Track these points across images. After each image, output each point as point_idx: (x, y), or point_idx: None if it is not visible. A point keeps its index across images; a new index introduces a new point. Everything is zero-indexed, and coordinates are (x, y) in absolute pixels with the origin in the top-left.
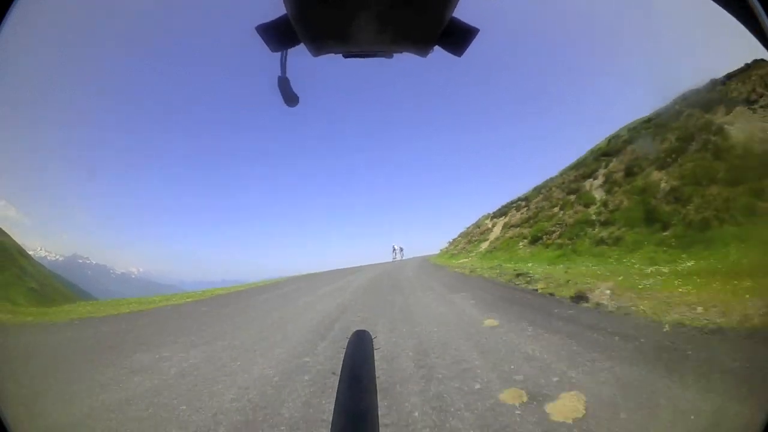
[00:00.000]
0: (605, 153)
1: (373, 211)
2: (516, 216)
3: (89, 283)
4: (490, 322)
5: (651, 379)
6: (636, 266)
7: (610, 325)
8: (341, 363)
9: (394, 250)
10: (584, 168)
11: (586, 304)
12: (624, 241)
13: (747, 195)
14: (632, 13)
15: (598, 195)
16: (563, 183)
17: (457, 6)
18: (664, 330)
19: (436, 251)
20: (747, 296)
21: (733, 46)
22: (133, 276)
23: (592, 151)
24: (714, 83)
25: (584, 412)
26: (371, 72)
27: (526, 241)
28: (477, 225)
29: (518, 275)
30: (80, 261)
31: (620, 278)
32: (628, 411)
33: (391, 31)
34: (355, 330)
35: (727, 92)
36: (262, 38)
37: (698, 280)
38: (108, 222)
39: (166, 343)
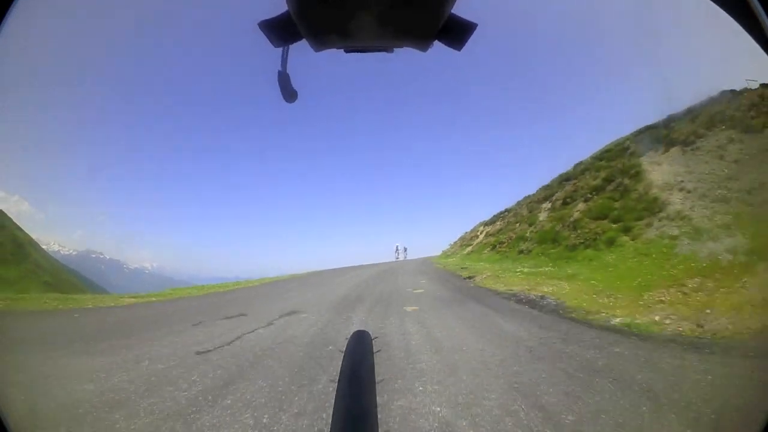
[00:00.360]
0: (567, 178)
1: (378, 210)
2: (495, 226)
3: (103, 277)
4: (424, 281)
5: (463, 298)
6: (519, 268)
7: (470, 287)
8: (341, 363)
9: (397, 249)
10: (548, 191)
11: (470, 281)
12: (531, 252)
13: (616, 230)
14: (632, 13)
15: (543, 216)
16: (530, 203)
17: (457, 2)
18: (486, 289)
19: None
20: (540, 282)
21: (735, 52)
22: (147, 271)
23: (560, 175)
24: (670, 119)
25: (433, 294)
26: (374, 67)
27: (489, 247)
28: (473, 231)
29: (462, 268)
30: (93, 256)
31: (500, 272)
32: (445, 293)
33: (392, 27)
34: (355, 330)
35: (669, 133)
36: (265, 34)
37: (534, 278)
38: (121, 218)
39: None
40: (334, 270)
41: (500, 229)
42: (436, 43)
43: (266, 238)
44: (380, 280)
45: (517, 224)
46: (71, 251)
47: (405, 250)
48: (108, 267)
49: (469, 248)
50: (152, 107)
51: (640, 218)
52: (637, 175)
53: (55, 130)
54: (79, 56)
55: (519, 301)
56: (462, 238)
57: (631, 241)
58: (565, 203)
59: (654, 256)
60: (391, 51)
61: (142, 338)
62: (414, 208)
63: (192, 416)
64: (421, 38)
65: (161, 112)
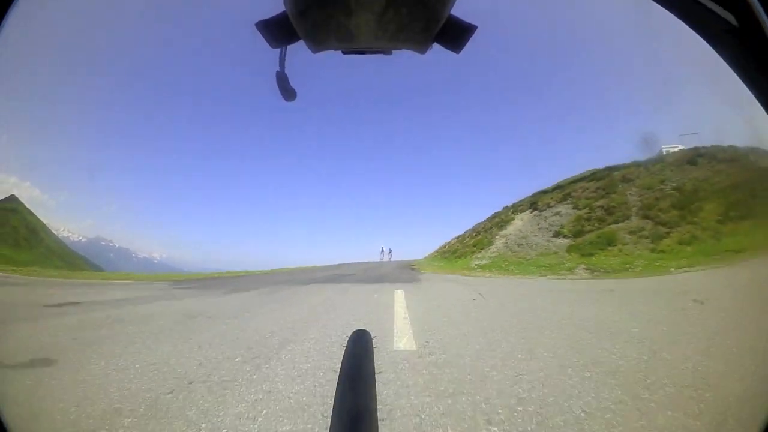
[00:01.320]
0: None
1: (369, 212)
2: (467, 236)
3: (111, 265)
4: (394, 266)
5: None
6: (439, 263)
7: (411, 269)
8: (341, 362)
9: (383, 251)
10: (510, 211)
11: (419, 272)
12: (449, 258)
13: (471, 253)
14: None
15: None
16: (492, 219)
17: (456, 3)
18: (412, 269)
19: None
20: (435, 267)
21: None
22: (155, 261)
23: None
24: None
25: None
26: (371, 70)
27: (446, 253)
28: (458, 237)
29: (417, 263)
30: (103, 243)
31: (440, 267)
32: (395, 273)
33: (390, 29)
34: (355, 330)
35: (536, 201)
36: (262, 35)
37: (435, 266)
38: (132, 210)
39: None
40: (335, 265)
41: (464, 239)
42: (435, 45)
43: (262, 235)
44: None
45: (479, 236)
46: (81, 237)
47: (390, 251)
48: (117, 255)
49: (438, 253)
50: (157, 104)
51: (481, 248)
52: (506, 223)
53: (69, 120)
54: (91, 48)
55: (414, 269)
56: (444, 245)
57: (465, 259)
58: (501, 225)
59: (466, 263)
60: (389, 53)
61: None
62: (407, 212)
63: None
64: (419, 40)
65: (168, 109)
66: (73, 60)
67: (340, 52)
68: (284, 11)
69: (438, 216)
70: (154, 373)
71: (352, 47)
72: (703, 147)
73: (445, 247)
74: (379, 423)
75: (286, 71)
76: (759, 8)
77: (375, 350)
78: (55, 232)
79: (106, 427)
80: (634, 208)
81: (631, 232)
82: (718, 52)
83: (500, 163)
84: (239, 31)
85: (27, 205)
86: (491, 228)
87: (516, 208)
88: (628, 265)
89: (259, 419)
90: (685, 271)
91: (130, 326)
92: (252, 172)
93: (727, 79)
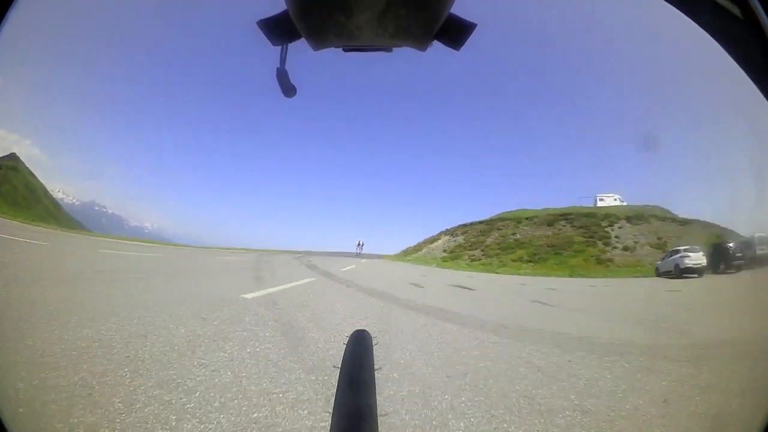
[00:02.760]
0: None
1: (346, 206)
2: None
3: (103, 230)
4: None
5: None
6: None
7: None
8: (341, 362)
9: (359, 245)
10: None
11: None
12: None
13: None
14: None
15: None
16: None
17: (456, 2)
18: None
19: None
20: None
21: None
22: (146, 231)
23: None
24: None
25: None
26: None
27: (405, 252)
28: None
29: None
30: (96, 208)
31: (392, 259)
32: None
33: (391, 27)
34: (355, 330)
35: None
36: (264, 32)
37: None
38: (130, 176)
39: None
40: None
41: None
42: (435, 43)
43: (249, 218)
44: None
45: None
46: (75, 200)
47: (362, 245)
48: (109, 221)
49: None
50: (164, 83)
51: (416, 251)
52: (435, 241)
53: (75, 84)
54: (101, 23)
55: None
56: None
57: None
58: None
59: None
60: (390, 50)
61: None
62: (386, 212)
63: None
64: (419, 38)
65: (172, 91)
66: (85, 27)
67: (341, 49)
68: (285, 10)
69: (413, 219)
70: None
71: (353, 45)
72: (571, 210)
73: (406, 249)
74: (379, 422)
75: (286, 68)
76: (760, 2)
77: (375, 349)
78: (51, 193)
79: (107, 426)
80: (488, 244)
81: (473, 257)
82: (722, 46)
83: (486, 171)
84: (240, 29)
85: (27, 164)
86: (426, 242)
87: (445, 232)
88: (468, 266)
89: None
90: (483, 272)
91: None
92: (248, 159)
93: (731, 73)
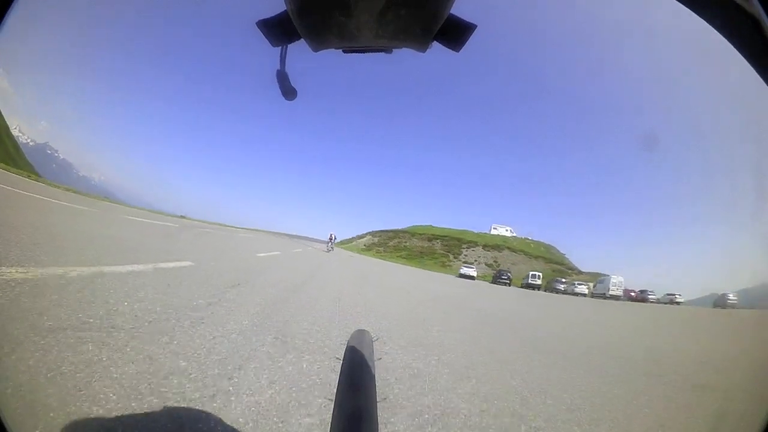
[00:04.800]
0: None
1: (320, 196)
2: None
3: (51, 176)
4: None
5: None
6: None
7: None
8: (341, 362)
9: (331, 239)
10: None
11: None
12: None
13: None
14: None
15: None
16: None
17: (456, 3)
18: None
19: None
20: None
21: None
22: (93, 182)
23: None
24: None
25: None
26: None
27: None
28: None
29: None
30: (49, 152)
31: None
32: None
33: (391, 27)
34: (355, 330)
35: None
36: (263, 33)
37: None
38: (91, 123)
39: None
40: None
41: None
42: (435, 44)
43: (218, 192)
44: None
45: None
46: (29, 140)
47: (333, 239)
48: (59, 167)
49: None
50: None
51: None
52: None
53: (57, 20)
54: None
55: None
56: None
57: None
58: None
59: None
60: (390, 51)
61: None
62: (360, 206)
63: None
64: (419, 39)
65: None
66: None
67: (340, 51)
68: (285, 10)
69: (356, 218)
70: None
71: (353, 46)
72: (450, 233)
73: (343, 240)
74: (379, 423)
75: (286, 70)
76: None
77: (375, 349)
78: (10, 130)
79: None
80: (389, 245)
81: (378, 251)
82: (729, 41)
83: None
84: (240, 29)
85: None
86: (356, 237)
87: (370, 233)
88: (374, 255)
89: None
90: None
91: None
92: (221, 133)
93: (738, 67)
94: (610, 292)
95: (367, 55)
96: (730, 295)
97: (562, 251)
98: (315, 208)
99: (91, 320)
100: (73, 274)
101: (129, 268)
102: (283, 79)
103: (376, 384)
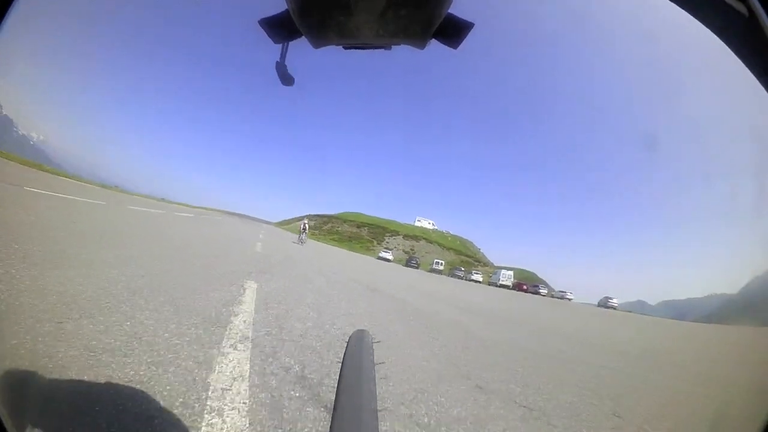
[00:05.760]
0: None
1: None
2: (310, 221)
3: None
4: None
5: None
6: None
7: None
8: (341, 363)
9: (303, 228)
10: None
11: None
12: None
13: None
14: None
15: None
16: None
17: (454, 1)
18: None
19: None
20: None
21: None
22: (31, 142)
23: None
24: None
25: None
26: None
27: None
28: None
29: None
30: None
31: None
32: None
33: (391, 25)
34: (355, 330)
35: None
36: (265, 31)
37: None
38: (44, 79)
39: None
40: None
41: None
42: (434, 42)
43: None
44: None
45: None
46: None
47: (305, 228)
48: None
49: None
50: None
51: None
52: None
53: None
54: None
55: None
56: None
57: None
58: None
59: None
60: (389, 48)
61: None
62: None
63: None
64: (419, 36)
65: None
66: None
67: (340, 47)
68: (286, 9)
69: (297, 201)
70: None
71: (353, 43)
72: (378, 222)
73: (284, 219)
74: (379, 423)
75: (285, 63)
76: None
77: (375, 350)
78: None
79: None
80: (323, 228)
81: (313, 233)
82: (727, 45)
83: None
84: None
85: None
86: (295, 218)
87: (307, 216)
88: (310, 237)
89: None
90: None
91: None
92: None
93: (736, 71)
94: (500, 282)
95: (369, 51)
96: (614, 300)
97: (478, 246)
98: (256, 186)
99: None
100: None
101: None
102: (282, 68)
103: (377, 384)
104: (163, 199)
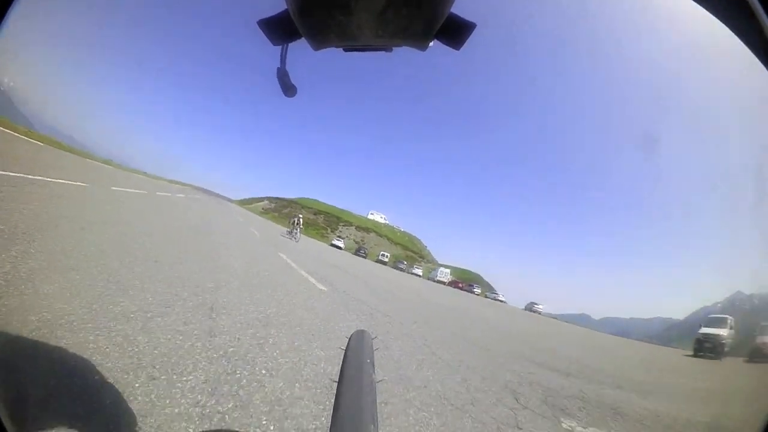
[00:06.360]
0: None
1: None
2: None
3: None
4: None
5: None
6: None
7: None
8: (341, 363)
9: (295, 223)
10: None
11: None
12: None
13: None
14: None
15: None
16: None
17: (456, 1)
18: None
19: None
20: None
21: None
22: (1, 86)
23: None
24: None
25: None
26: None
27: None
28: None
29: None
30: None
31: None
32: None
33: (391, 26)
34: (354, 330)
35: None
36: (264, 32)
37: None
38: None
39: None
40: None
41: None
42: (435, 43)
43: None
44: None
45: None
46: None
47: (298, 223)
48: None
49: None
50: None
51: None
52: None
53: None
54: None
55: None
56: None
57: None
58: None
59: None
60: (390, 50)
61: None
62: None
63: None
64: (419, 38)
65: None
66: None
67: (341, 49)
68: (286, 9)
69: (263, 180)
70: None
71: (353, 44)
72: (333, 211)
73: (246, 198)
74: (379, 423)
75: (287, 68)
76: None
77: (376, 352)
78: None
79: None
80: (281, 212)
81: (273, 216)
82: (737, 35)
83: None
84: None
85: None
86: (256, 199)
87: (267, 198)
88: (267, 218)
89: None
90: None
91: None
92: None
93: (748, 62)
94: (438, 278)
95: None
96: (539, 306)
97: (425, 244)
98: (215, 157)
99: None
100: None
101: None
102: (283, 76)
103: (377, 385)
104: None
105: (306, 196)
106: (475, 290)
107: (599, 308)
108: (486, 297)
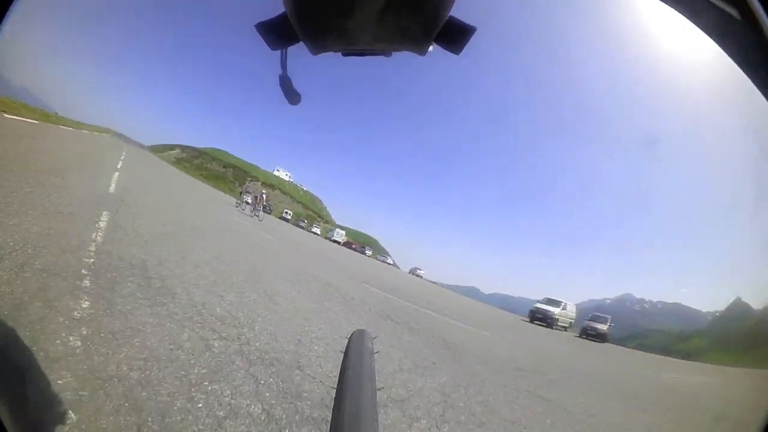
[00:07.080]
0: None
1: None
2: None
3: None
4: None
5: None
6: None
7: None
8: (341, 363)
9: (258, 199)
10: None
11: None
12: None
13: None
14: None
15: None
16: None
17: (455, 5)
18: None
19: None
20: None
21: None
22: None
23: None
24: None
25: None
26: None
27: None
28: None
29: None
30: None
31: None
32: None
33: (390, 29)
34: (354, 330)
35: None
36: (262, 36)
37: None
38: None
39: None
40: None
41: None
42: (435, 47)
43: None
44: None
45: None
46: None
47: (262, 200)
48: None
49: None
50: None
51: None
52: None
53: None
54: None
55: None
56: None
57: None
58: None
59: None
60: (389, 54)
61: None
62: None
63: None
64: (419, 41)
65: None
66: None
67: (339, 53)
68: (284, 13)
69: (177, 125)
70: None
71: (352, 49)
72: (242, 165)
73: (159, 145)
74: (379, 422)
75: (288, 74)
76: (759, 2)
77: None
78: None
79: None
80: (192, 163)
81: (185, 166)
82: (721, 47)
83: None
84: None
85: None
86: (168, 146)
87: (180, 146)
88: (179, 168)
89: None
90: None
91: None
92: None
93: (730, 73)
94: (333, 238)
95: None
96: (421, 271)
97: (326, 205)
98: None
99: None
100: None
101: None
102: (287, 84)
103: (376, 385)
104: None
105: (215, 146)
106: (366, 252)
107: (492, 285)
108: (376, 259)
